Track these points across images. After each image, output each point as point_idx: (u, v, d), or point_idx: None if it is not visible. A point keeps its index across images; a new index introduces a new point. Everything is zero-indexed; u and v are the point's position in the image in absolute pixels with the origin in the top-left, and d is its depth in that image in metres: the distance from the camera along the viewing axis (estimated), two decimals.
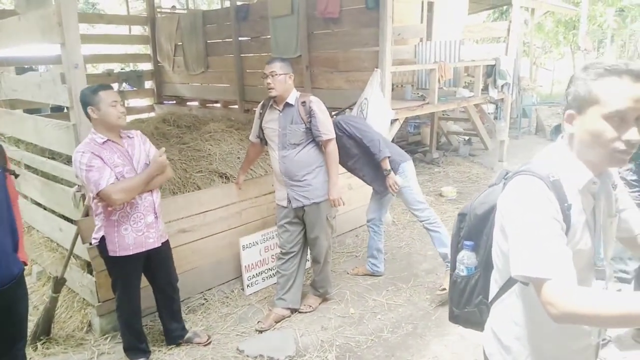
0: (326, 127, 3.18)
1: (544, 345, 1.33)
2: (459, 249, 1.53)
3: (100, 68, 11.54)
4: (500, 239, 1.31)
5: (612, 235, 1.36)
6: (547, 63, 19.32)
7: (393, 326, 3.28)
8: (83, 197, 3.04)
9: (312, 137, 3.17)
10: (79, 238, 3.02)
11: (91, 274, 3.14)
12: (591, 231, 1.26)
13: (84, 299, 3.34)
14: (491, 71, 6.81)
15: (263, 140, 3.38)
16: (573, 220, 1.20)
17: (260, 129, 3.34)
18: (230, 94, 7.57)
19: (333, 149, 3.23)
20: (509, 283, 1.34)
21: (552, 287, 1.12)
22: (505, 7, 12.32)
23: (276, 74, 3.06)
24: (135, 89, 8.49)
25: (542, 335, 1.32)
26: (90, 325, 3.25)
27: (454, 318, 1.61)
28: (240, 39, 7.13)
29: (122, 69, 9.94)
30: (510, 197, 1.25)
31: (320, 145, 3.23)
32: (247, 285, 3.78)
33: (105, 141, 2.58)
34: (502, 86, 6.77)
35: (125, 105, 6.35)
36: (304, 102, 3.15)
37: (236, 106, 7.56)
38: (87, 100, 2.56)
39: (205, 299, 3.63)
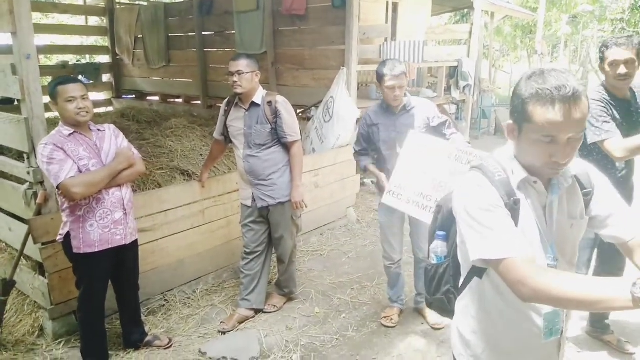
0: (292, 128, 3.13)
1: (501, 341, 1.35)
2: (433, 238, 1.58)
3: (55, 59, 11.05)
4: (458, 232, 1.35)
5: (573, 237, 1.36)
6: (505, 66, 19.96)
7: (358, 325, 3.28)
8: (35, 195, 2.88)
9: (278, 137, 3.13)
10: (30, 238, 2.86)
11: (43, 275, 2.99)
12: (542, 229, 1.28)
13: (35, 302, 3.17)
14: (454, 72, 6.95)
15: (227, 138, 3.30)
16: (521, 215, 1.24)
17: (225, 126, 3.26)
18: (193, 89, 7.41)
19: (298, 151, 3.18)
20: (469, 277, 1.37)
21: (518, 265, 1.13)
22: (466, 11, 12.61)
23: (242, 73, 2.98)
24: (92, 82, 8.18)
25: (496, 330, 1.35)
26: (42, 329, 3.09)
27: (429, 305, 1.69)
28: (203, 33, 7.00)
29: (78, 61, 9.54)
30: (459, 191, 1.32)
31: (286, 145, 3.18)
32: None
33: (71, 133, 2.51)
34: (464, 87, 6.93)
35: None
36: (270, 101, 3.09)
37: (199, 102, 7.41)
38: (49, 93, 2.51)
39: (165, 300, 3.52)
